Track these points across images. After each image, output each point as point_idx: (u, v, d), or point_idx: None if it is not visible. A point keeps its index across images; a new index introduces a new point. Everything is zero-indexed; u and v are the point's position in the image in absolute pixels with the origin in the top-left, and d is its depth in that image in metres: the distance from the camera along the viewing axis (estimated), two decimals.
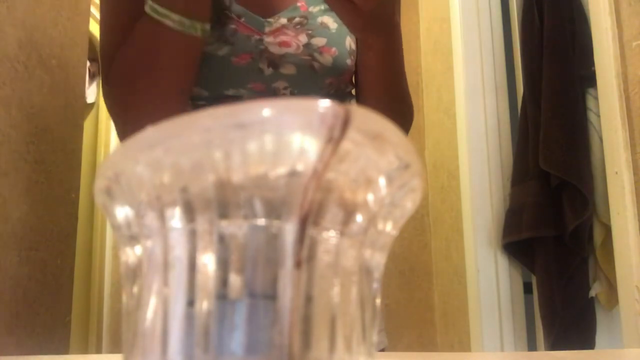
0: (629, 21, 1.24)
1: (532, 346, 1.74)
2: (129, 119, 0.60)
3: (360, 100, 0.72)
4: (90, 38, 1.40)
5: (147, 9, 0.56)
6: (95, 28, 1.59)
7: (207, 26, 0.58)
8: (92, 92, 2.86)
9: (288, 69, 0.66)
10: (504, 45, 1.91)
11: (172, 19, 0.55)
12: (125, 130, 0.62)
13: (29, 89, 0.96)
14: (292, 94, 0.67)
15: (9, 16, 0.90)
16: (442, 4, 2.05)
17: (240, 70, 0.65)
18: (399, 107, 0.73)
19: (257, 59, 0.65)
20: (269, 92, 0.67)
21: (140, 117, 0.58)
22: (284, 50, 0.66)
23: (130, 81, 0.59)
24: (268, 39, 0.65)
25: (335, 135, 0.17)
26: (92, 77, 2.84)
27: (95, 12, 1.58)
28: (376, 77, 0.68)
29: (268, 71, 0.66)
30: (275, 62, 0.66)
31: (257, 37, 0.65)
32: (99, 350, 2.59)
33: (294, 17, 0.67)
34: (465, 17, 1.89)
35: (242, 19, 0.65)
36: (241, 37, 0.65)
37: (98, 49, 0.67)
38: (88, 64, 2.15)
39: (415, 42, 2.33)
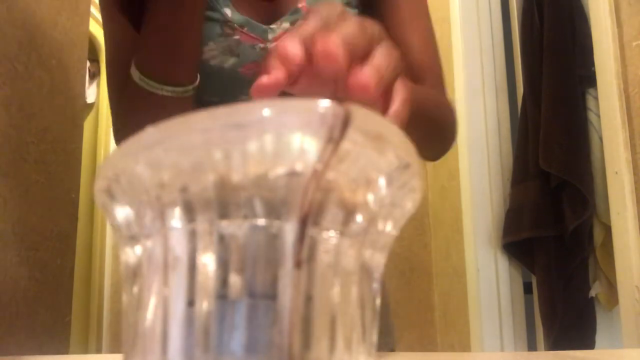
0: (629, 21, 1.23)
1: (532, 346, 1.74)
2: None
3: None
4: (90, 38, 1.40)
5: (136, 79, 0.57)
6: (95, 28, 1.58)
7: (196, 83, 0.58)
8: (92, 92, 2.86)
9: None
10: (504, 45, 1.91)
11: (164, 90, 0.56)
12: None
13: (29, 89, 0.96)
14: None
15: (9, 16, 0.90)
16: (442, 4, 2.05)
17: (248, 80, 0.64)
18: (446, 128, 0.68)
19: None
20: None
21: None
22: None
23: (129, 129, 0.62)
24: (272, 46, 0.65)
25: (335, 135, 0.17)
26: (92, 77, 2.84)
27: (95, 12, 1.58)
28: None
29: None
30: None
31: (261, 45, 0.65)
32: (99, 350, 2.59)
33: (297, 20, 0.66)
34: (465, 17, 1.89)
35: (245, 29, 0.64)
36: (245, 47, 0.64)
37: (105, 61, 0.68)
38: (88, 64, 2.15)
39: None
